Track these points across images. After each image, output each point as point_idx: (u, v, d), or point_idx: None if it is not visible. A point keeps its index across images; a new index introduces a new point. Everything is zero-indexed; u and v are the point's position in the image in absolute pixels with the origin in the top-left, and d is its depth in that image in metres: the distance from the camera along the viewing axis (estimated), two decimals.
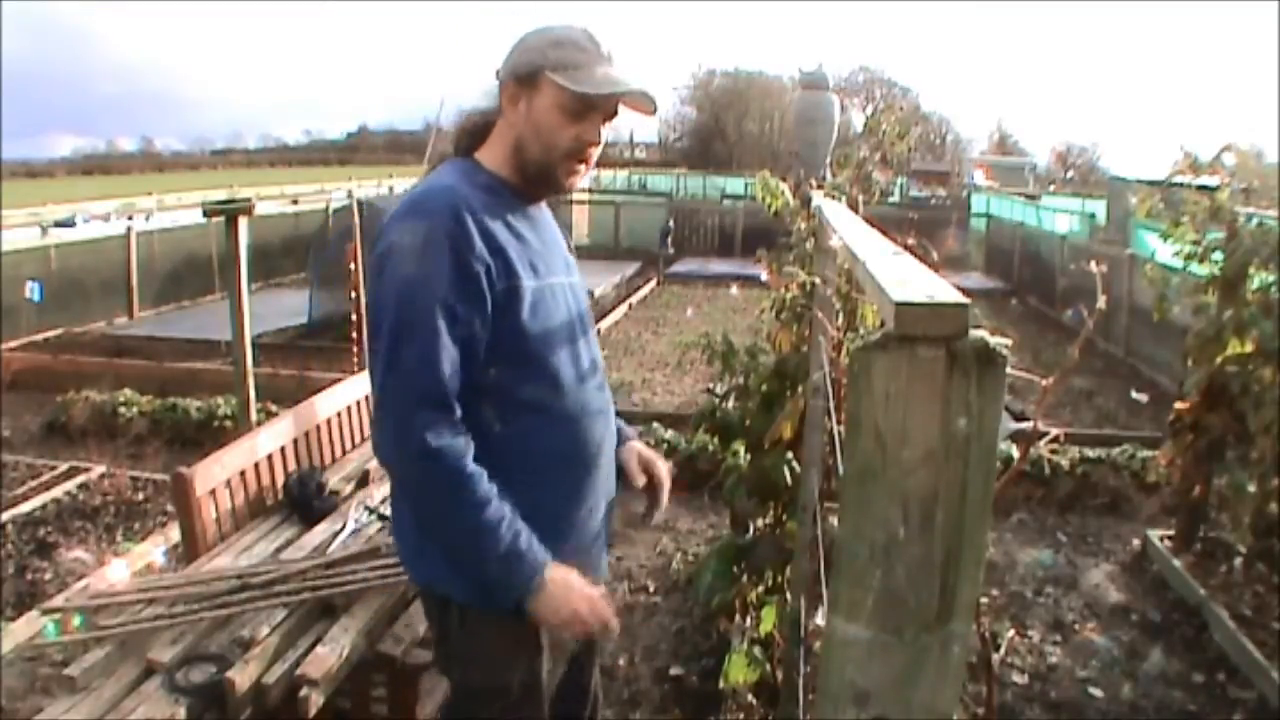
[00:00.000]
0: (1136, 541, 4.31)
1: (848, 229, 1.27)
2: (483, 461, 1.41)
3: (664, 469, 1.78)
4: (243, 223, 3.91)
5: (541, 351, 1.46)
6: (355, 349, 5.70)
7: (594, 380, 1.58)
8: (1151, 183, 5.74)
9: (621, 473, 1.72)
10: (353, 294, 5.73)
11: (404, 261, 1.37)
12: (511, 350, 1.43)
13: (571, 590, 1.42)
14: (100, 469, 4.86)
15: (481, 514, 1.38)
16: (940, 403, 0.53)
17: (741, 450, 2.89)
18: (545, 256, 1.51)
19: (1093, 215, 15.85)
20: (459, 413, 1.40)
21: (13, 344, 8.08)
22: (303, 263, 11.85)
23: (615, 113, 1.50)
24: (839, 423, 1.91)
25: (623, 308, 10.95)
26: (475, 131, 1.53)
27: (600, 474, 1.61)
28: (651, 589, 3.80)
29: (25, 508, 4.37)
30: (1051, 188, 35.82)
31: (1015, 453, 4.33)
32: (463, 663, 1.59)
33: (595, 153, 1.50)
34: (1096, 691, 3.12)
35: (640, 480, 1.74)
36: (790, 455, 2.49)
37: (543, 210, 1.59)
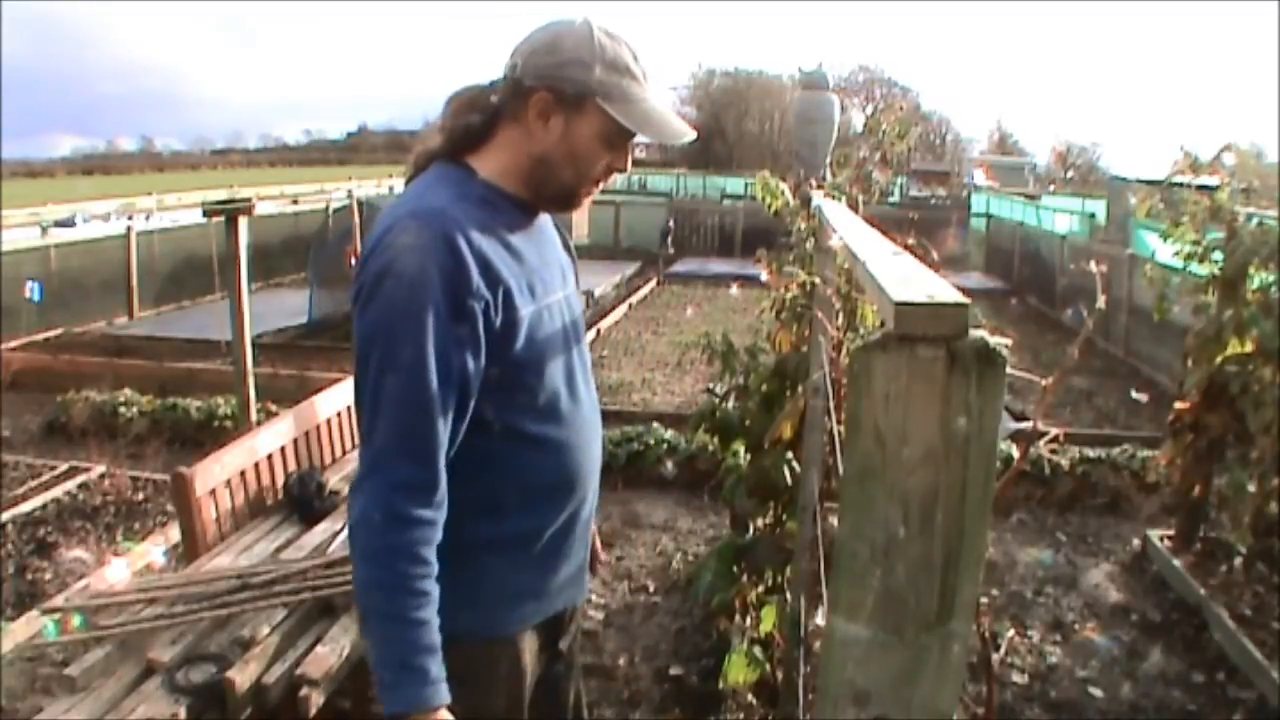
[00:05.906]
0: (1136, 541, 4.31)
1: (848, 229, 1.26)
2: (479, 491, 1.35)
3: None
4: (243, 223, 3.91)
5: (536, 380, 1.37)
6: None
7: (588, 396, 1.49)
8: (1151, 183, 5.75)
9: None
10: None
11: (394, 296, 1.23)
12: (507, 381, 1.34)
13: None
14: (100, 469, 4.86)
15: (417, 608, 1.24)
16: (940, 403, 0.53)
17: (741, 450, 2.89)
18: (543, 273, 1.39)
19: (1093, 215, 15.85)
20: (443, 480, 1.28)
21: (13, 344, 8.08)
22: (303, 263, 11.84)
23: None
24: (839, 423, 1.91)
25: (623, 308, 10.95)
26: (472, 133, 1.37)
27: (590, 495, 1.54)
28: (651, 589, 3.80)
29: (25, 508, 4.37)
30: (1051, 188, 35.82)
31: (1015, 453, 4.33)
32: None
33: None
34: (1096, 691, 3.13)
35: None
36: (790, 455, 2.49)
37: (541, 218, 1.45)
